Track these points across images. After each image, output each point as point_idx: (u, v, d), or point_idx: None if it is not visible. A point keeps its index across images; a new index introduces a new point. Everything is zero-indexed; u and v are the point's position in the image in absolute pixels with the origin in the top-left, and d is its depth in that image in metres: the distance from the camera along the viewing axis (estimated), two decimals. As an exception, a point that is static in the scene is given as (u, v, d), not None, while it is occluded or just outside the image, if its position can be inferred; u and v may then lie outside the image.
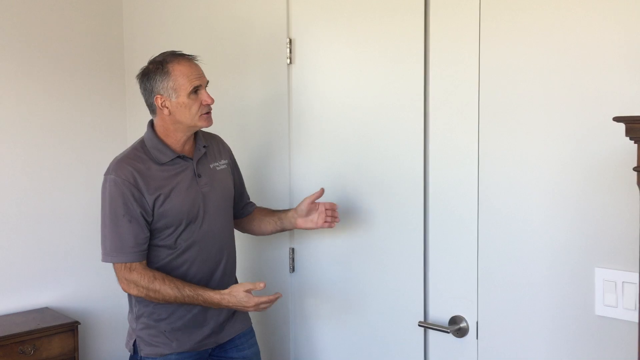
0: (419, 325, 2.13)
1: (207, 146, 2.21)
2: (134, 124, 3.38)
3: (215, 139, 2.30)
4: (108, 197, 2.06)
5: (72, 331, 2.93)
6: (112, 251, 2.06)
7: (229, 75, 2.72)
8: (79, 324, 2.98)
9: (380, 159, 2.24)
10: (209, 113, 2.11)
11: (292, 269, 2.56)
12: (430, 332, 2.14)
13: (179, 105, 2.05)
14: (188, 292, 2.05)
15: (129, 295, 2.18)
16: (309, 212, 2.21)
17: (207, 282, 2.16)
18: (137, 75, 2.14)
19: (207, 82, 2.12)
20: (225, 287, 2.14)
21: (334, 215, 2.21)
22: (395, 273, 2.21)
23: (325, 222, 2.19)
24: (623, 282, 1.70)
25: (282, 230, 2.33)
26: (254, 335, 2.34)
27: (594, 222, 1.75)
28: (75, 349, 2.94)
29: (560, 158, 1.81)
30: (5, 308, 3.05)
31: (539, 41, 1.83)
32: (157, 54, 2.13)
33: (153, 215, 2.07)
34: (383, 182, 2.23)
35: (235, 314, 2.25)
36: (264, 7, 2.60)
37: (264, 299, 2.04)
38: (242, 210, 2.38)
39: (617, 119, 1.36)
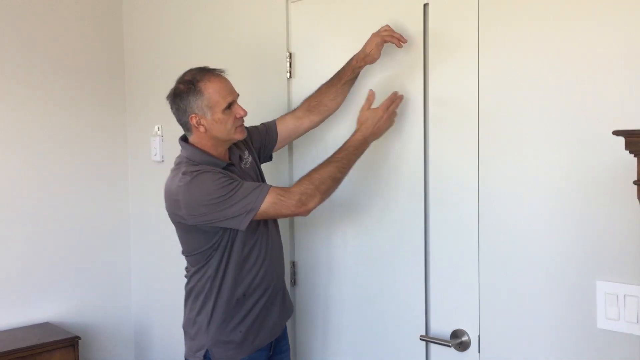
0: (421, 339, 2.12)
1: (237, 146, 2.22)
2: (134, 126, 3.39)
3: None
4: (205, 189, 1.98)
5: (72, 346, 2.93)
6: (252, 202, 1.97)
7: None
8: (80, 338, 2.98)
9: (380, 164, 2.24)
10: (242, 125, 2.13)
11: (294, 282, 2.56)
12: (432, 346, 2.13)
13: (214, 122, 2.06)
14: (339, 155, 2.03)
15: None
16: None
17: (276, 267, 2.19)
18: (168, 96, 2.12)
19: (238, 95, 2.12)
20: (283, 267, 2.26)
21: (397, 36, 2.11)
22: (397, 286, 2.21)
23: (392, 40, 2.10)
24: (625, 295, 1.69)
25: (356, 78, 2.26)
26: (290, 351, 2.37)
27: (595, 235, 1.75)
28: (76, 364, 2.94)
29: (560, 171, 1.80)
30: (5, 323, 3.05)
31: (538, 48, 1.83)
32: (184, 72, 2.11)
33: None
34: (383, 194, 2.23)
35: (285, 300, 2.27)
36: (264, 21, 2.61)
37: (387, 101, 2.05)
38: (275, 130, 2.34)
39: (617, 133, 1.35)
